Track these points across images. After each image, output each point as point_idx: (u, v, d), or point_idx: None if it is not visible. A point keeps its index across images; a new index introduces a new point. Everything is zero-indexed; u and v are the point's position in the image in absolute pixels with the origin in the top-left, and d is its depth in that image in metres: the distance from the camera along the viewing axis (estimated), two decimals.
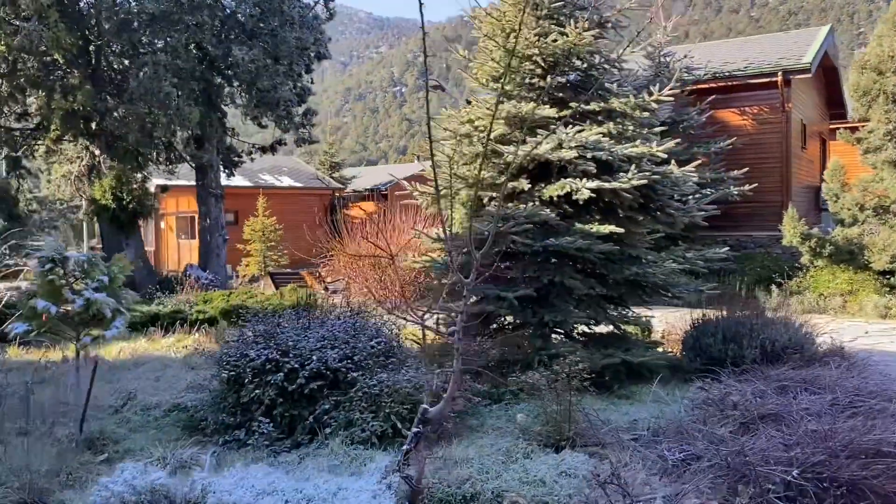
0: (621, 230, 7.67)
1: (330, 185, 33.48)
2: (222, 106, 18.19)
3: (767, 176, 17.20)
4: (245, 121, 19.20)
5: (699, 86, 17.46)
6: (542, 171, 8.11)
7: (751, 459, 4.35)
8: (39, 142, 18.62)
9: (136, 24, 15.15)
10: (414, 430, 4.39)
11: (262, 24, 17.04)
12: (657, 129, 8.36)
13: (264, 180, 30.21)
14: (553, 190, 7.70)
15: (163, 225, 31.63)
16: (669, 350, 9.31)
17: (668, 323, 10.45)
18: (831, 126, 21.97)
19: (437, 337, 8.71)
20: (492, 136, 8.05)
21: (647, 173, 7.55)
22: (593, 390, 7.53)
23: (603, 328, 8.67)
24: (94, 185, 16.97)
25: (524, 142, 7.75)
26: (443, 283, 8.72)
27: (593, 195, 7.53)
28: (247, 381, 6.37)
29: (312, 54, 18.72)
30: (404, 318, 5.74)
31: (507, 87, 8.30)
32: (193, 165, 19.25)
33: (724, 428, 5.47)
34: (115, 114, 15.35)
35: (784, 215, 14.85)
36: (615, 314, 8.19)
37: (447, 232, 4.91)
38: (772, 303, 13.70)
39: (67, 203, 37.99)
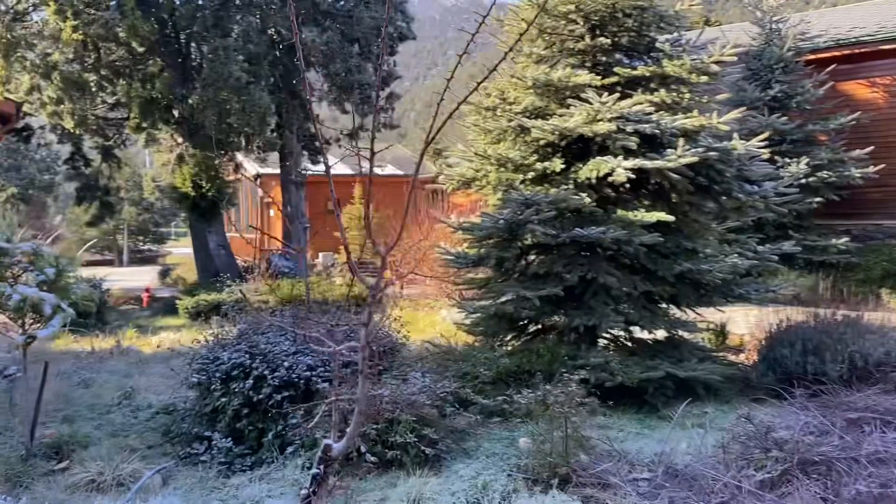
0: (671, 218, 6.40)
1: (432, 172, 32.86)
2: (302, 92, 17.80)
3: None
4: (330, 106, 18.80)
5: (818, 55, 15.34)
6: (582, 149, 6.94)
7: None
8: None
9: (207, 9, 14.92)
10: (313, 471, 3.49)
11: (339, 4, 16.48)
12: (721, 97, 6.96)
13: (365, 168, 29.92)
14: (588, 171, 6.52)
15: (272, 213, 32.07)
16: (745, 361, 7.90)
17: (760, 326, 8.91)
18: None
19: (471, 338, 7.76)
20: (521, 109, 6.96)
21: (701, 150, 6.23)
22: (631, 409, 6.39)
23: (662, 333, 7.40)
24: (175, 172, 17.03)
25: (553, 114, 6.62)
26: (472, 276, 7.75)
27: (633, 176, 6.30)
28: (213, 387, 5.67)
29: (395, 35, 17.98)
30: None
31: (543, 52, 7.17)
32: (280, 154, 19.04)
33: (761, 473, 4.22)
34: (190, 100, 15.22)
35: None
36: (666, 317, 6.92)
37: None
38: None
39: None
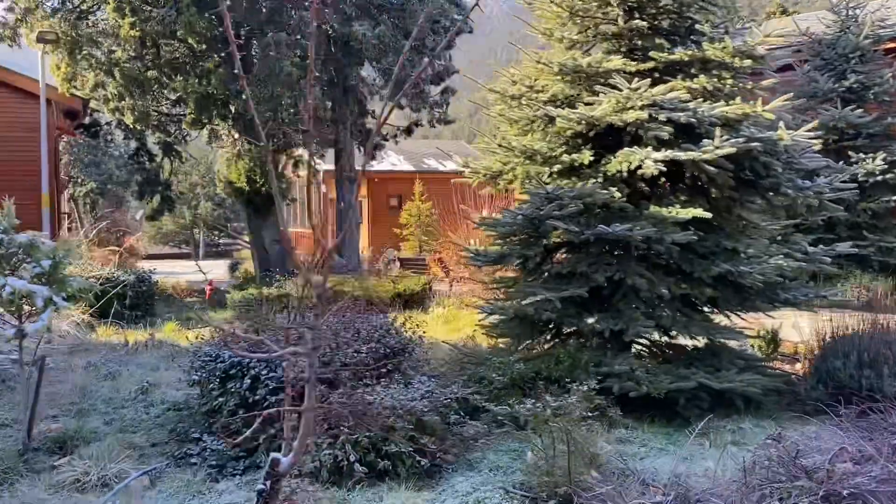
0: (708, 215, 5.86)
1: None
2: (359, 88, 17.65)
3: None
4: (384, 101, 18.61)
5: None
6: (614, 140, 6.45)
7: None
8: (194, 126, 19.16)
9: (261, 4, 14.93)
10: (259, 486, 3.19)
11: None
12: (768, 83, 6.35)
13: (427, 164, 29.79)
14: (617, 163, 6.04)
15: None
16: (798, 371, 7.25)
17: (817, 334, 8.17)
18: None
19: (494, 341, 7.38)
20: (547, 97, 6.52)
21: (741, 140, 5.67)
22: (660, 422, 5.89)
23: (703, 340, 6.83)
24: (230, 167, 17.15)
25: (577, 103, 6.17)
26: (501, 276, 7.36)
27: (665, 169, 5.78)
28: (212, 386, 5.46)
29: (451, 28, 17.61)
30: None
31: (576, 37, 6.72)
32: (335, 150, 18.96)
33: None
34: (243, 96, 15.24)
35: None
36: (705, 322, 6.36)
37: None
38: None
39: None
